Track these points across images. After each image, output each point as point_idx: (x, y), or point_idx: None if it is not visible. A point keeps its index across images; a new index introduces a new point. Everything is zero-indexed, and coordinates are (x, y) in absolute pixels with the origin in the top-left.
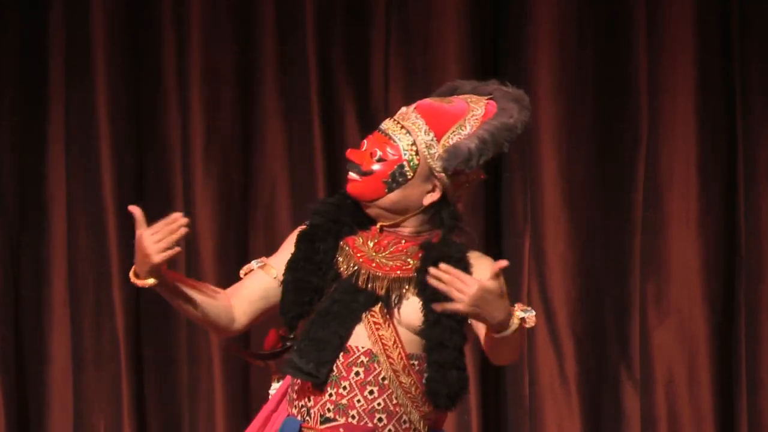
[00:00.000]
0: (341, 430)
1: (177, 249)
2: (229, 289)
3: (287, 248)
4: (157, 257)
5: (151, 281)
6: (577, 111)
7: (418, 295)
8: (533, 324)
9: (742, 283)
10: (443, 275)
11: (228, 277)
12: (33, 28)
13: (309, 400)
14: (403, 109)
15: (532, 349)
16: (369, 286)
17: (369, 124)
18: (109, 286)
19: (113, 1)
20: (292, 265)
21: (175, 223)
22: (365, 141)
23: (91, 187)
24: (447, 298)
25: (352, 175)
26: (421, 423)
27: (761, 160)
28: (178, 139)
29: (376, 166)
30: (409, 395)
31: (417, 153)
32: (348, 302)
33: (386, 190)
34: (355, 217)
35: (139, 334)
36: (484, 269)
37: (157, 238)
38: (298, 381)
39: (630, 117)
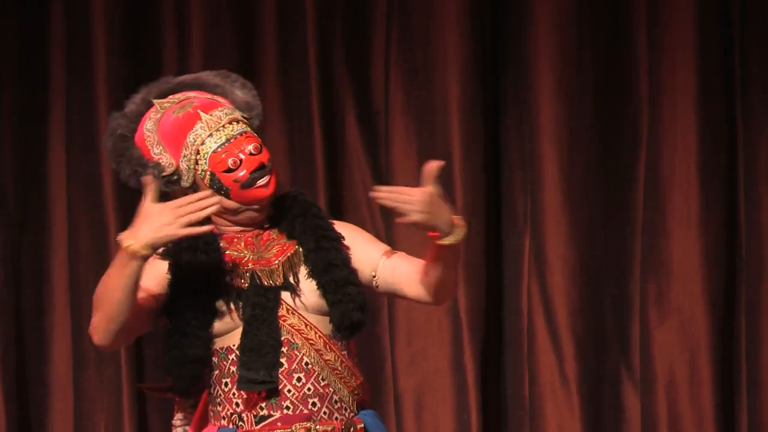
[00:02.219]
0: (279, 423)
1: (206, 228)
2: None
3: (151, 274)
4: (181, 230)
5: (144, 252)
6: (577, 111)
7: (305, 262)
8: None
9: (743, 282)
10: (387, 195)
11: None
12: (33, 28)
13: (237, 406)
14: (207, 119)
15: (532, 349)
16: (269, 281)
17: (369, 124)
18: None
19: (113, 1)
20: (169, 341)
21: (208, 199)
22: (237, 155)
23: (91, 187)
24: (316, 230)
25: (263, 180)
26: (351, 399)
27: (761, 160)
28: None
29: (266, 155)
30: (336, 372)
31: (252, 127)
32: (263, 303)
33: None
34: (209, 246)
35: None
36: (344, 232)
37: (184, 211)
38: (220, 392)
39: (630, 117)
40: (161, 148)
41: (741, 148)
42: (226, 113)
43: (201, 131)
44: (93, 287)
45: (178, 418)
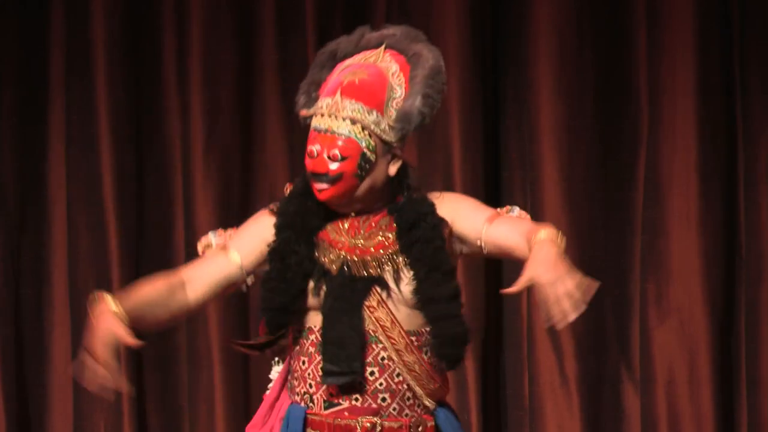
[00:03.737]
0: (346, 413)
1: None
2: (186, 269)
3: (250, 231)
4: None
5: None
6: (577, 111)
7: (407, 265)
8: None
9: (742, 283)
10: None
11: None
12: (33, 28)
13: (311, 387)
14: (326, 101)
15: (532, 349)
16: (363, 271)
17: None
18: (109, 286)
19: (113, 1)
20: (264, 285)
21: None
22: (313, 148)
23: (91, 187)
24: (431, 260)
25: (321, 186)
26: (425, 398)
27: (761, 160)
28: (178, 140)
29: (339, 167)
30: (413, 373)
31: (371, 135)
32: (349, 295)
33: (359, 182)
34: (319, 213)
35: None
36: (448, 206)
37: (101, 372)
38: (298, 368)
39: (630, 117)
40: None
41: (741, 148)
42: (338, 107)
43: (317, 106)
44: (92, 287)
45: (275, 371)
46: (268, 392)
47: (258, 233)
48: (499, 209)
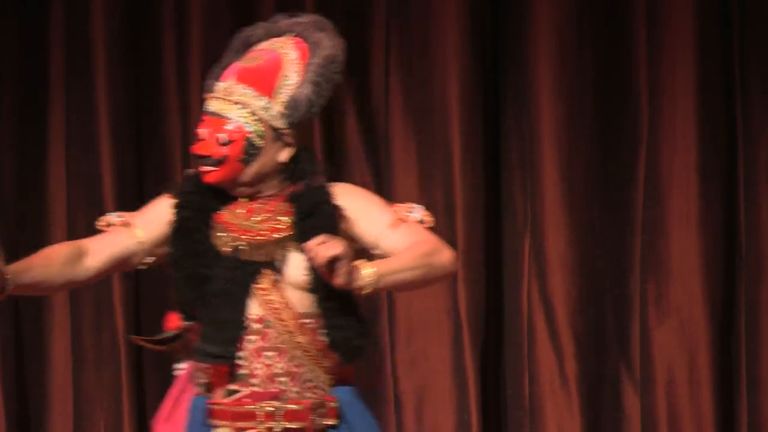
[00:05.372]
0: (247, 400)
1: None
2: (89, 240)
3: (153, 211)
4: None
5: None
6: (577, 111)
7: (301, 250)
8: (428, 218)
9: (742, 283)
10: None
11: None
12: (33, 28)
13: (211, 376)
14: (221, 84)
15: (532, 349)
16: (252, 255)
17: (369, 124)
18: (110, 286)
19: (113, 1)
20: (176, 264)
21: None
22: (200, 130)
23: (91, 187)
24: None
25: (207, 168)
26: (326, 379)
27: (761, 160)
28: (178, 140)
29: (226, 150)
30: (308, 354)
31: (259, 120)
32: (237, 277)
33: (244, 166)
34: (217, 195)
35: (140, 334)
36: (348, 202)
37: None
38: (199, 361)
39: (630, 117)
40: None
41: (741, 148)
42: (230, 90)
43: (212, 89)
44: (92, 287)
45: (179, 366)
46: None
47: (160, 213)
48: (400, 210)
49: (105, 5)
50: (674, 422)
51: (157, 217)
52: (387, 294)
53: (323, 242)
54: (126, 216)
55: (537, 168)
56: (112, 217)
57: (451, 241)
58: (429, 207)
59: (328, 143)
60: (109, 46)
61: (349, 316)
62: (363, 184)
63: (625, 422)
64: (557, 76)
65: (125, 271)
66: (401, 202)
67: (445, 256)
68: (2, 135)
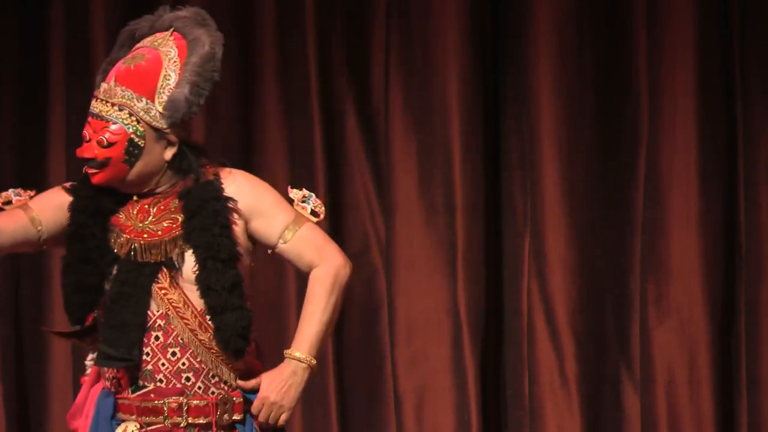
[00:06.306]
0: (152, 395)
1: None
2: None
3: (52, 200)
4: None
5: None
6: (577, 111)
7: (192, 248)
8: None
9: (742, 283)
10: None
11: None
12: (33, 28)
13: (117, 371)
14: (104, 86)
15: (532, 349)
16: (148, 257)
17: (369, 124)
18: None
19: (113, 1)
20: (67, 268)
21: None
22: (86, 132)
23: None
24: (208, 248)
25: (91, 170)
26: (231, 375)
27: (761, 160)
28: None
29: (106, 152)
30: (211, 351)
31: (138, 121)
32: (134, 280)
33: (128, 167)
34: (112, 197)
35: None
36: (240, 186)
37: None
38: None
39: (630, 117)
40: None
41: (741, 148)
42: (111, 93)
43: (97, 89)
44: None
45: (90, 358)
46: (86, 377)
47: (58, 205)
48: (295, 201)
49: (105, 5)
50: (674, 422)
51: (56, 209)
52: (387, 294)
53: (268, 412)
54: (23, 196)
55: (537, 168)
56: (11, 195)
57: (451, 241)
58: (429, 207)
59: (328, 143)
60: (109, 46)
61: (232, 312)
62: (363, 185)
63: (625, 422)
64: (557, 76)
65: (24, 252)
66: (401, 202)
67: (340, 272)
68: (2, 135)
